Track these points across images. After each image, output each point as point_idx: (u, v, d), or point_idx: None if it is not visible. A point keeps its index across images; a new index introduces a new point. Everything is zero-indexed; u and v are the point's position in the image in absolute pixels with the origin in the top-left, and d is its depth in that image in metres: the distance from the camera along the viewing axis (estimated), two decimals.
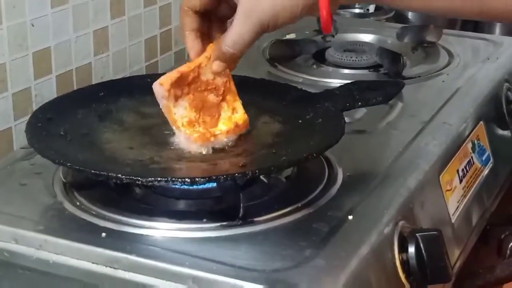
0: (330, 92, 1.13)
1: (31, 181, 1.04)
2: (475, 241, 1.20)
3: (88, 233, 0.92)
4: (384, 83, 1.16)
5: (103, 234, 0.91)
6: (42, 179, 1.03)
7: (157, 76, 1.16)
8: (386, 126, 1.21)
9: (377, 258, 0.92)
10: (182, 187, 0.96)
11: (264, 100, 1.13)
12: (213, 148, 1.00)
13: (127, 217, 0.94)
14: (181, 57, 1.55)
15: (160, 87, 1.00)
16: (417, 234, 0.95)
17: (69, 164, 0.93)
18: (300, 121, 1.07)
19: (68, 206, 0.98)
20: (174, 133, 1.02)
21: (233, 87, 1.05)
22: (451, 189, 1.14)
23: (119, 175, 0.89)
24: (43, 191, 1.01)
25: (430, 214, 1.06)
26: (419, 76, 1.40)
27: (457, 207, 1.15)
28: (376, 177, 1.05)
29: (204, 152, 1.00)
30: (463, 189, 1.18)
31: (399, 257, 0.95)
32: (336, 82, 1.37)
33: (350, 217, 0.94)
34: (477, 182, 1.23)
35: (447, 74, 1.42)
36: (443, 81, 1.39)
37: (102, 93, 1.13)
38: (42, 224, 0.94)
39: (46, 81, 1.27)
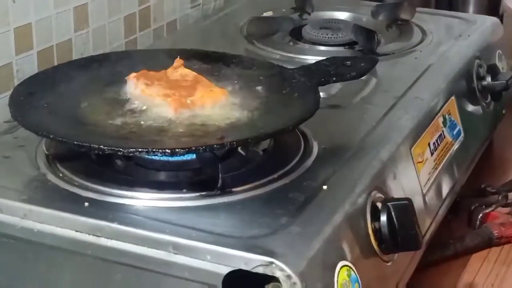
0: (306, 68, 1.17)
1: (14, 153, 1.06)
2: (445, 212, 1.24)
3: (71, 203, 0.95)
4: (358, 59, 1.20)
5: (86, 204, 0.94)
6: (25, 152, 1.06)
7: (135, 51, 1.21)
8: (360, 101, 1.24)
9: (350, 226, 0.95)
10: (162, 158, 0.98)
11: (241, 75, 1.16)
12: (192, 118, 1.03)
13: (109, 188, 0.97)
14: (160, 34, 1.58)
15: (128, 81, 1.10)
16: (388, 203, 0.99)
17: (52, 135, 0.96)
18: (277, 95, 1.10)
19: (51, 177, 1.00)
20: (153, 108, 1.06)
21: (205, 80, 1.10)
22: (422, 161, 1.18)
23: (101, 146, 0.92)
24: (27, 163, 1.04)
25: (402, 184, 1.10)
26: (393, 53, 1.44)
27: (428, 178, 1.19)
28: (350, 149, 1.08)
29: (182, 117, 1.03)
30: (434, 161, 1.22)
31: (371, 225, 0.99)
32: (312, 59, 1.39)
33: (325, 187, 0.98)
34: (448, 155, 1.27)
35: (420, 51, 1.45)
36: (416, 58, 1.42)
37: (83, 68, 1.15)
38: (26, 194, 0.97)
39: (27, 57, 1.29)
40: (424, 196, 1.16)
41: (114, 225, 0.90)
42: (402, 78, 1.32)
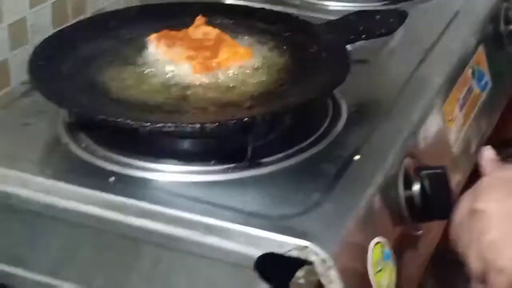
0: (333, 24, 1.12)
1: (34, 120, 1.03)
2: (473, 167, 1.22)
3: (96, 178, 0.92)
4: (388, 13, 1.15)
5: (111, 179, 0.92)
6: (46, 119, 1.03)
7: (154, 6, 1.16)
8: (388, 55, 1.20)
9: (382, 198, 0.92)
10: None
11: (266, 30, 1.12)
12: (218, 82, 1.00)
13: (134, 159, 0.94)
14: None
15: (149, 42, 1.06)
16: (422, 172, 0.96)
17: (75, 109, 0.92)
18: (304, 54, 1.06)
19: (74, 148, 0.97)
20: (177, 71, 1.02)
21: (228, 38, 1.06)
22: (452, 119, 1.14)
23: (128, 121, 0.89)
24: (48, 132, 1.01)
25: (433, 146, 1.07)
26: None
27: (457, 136, 1.15)
28: (380, 112, 1.05)
29: (207, 81, 0.99)
30: (463, 117, 1.18)
31: (404, 194, 0.96)
32: (333, 5, 1.36)
33: (356, 158, 0.95)
34: (476, 108, 1.23)
35: None
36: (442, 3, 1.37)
37: (102, 27, 1.11)
38: (49, 168, 0.94)
39: (41, 10, 1.24)
40: (453, 155, 1.13)
41: (143, 204, 0.88)
42: (429, 27, 1.28)
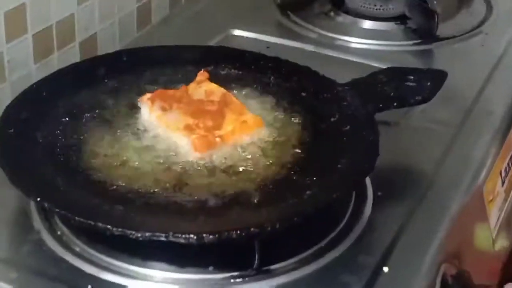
0: (358, 84, 0.95)
1: (2, 193, 0.86)
2: None
3: (71, 285, 0.76)
4: (424, 74, 0.96)
5: None
6: (15, 191, 0.86)
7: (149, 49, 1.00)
8: (419, 116, 1.03)
9: None
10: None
11: (280, 89, 0.96)
12: (221, 164, 0.84)
13: (117, 260, 0.79)
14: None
15: (141, 104, 0.91)
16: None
17: (46, 204, 0.76)
18: (324, 125, 0.90)
19: (47, 237, 0.82)
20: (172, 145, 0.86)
21: (235, 100, 0.89)
22: (493, 199, 0.98)
23: (108, 226, 0.73)
24: (17, 211, 0.85)
25: (471, 239, 0.91)
26: (453, 37, 1.22)
27: (498, 216, 1.00)
28: (412, 198, 0.89)
29: (208, 163, 0.84)
30: (504, 191, 1.03)
31: None
32: (354, 41, 1.20)
33: (386, 269, 0.79)
34: None
35: (486, 34, 1.23)
36: (483, 45, 1.20)
37: (87, 77, 0.95)
38: (15, 268, 0.78)
39: (20, 43, 1.07)
40: (493, 242, 0.97)
41: None
42: (468, 78, 1.11)
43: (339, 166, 0.83)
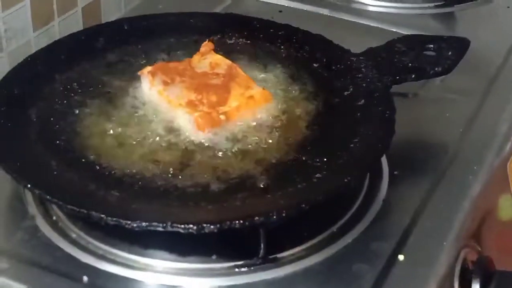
0: (374, 54, 0.89)
1: None
2: None
3: (65, 276, 0.72)
4: (444, 42, 0.90)
5: (85, 279, 0.71)
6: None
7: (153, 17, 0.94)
8: (439, 86, 0.96)
9: None
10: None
11: (290, 60, 0.90)
12: (226, 144, 0.78)
13: (114, 248, 0.74)
14: None
15: (142, 77, 0.85)
16: (487, 273, 0.75)
17: (37, 190, 0.71)
18: (337, 99, 0.84)
19: (41, 223, 0.77)
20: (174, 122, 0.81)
21: (242, 73, 0.84)
22: None
23: (102, 215, 0.68)
24: (12, 195, 0.80)
25: (494, 220, 0.86)
26: None
27: None
28: (430, 178, 0.83)
29: (212, 143, 0.78)
30: None
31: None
32: (372, 4, 1.14)
33: (401, 258, 0.74)
34: None
35: None
36: (509, 7, 1.13)
37: (85, 49, 0.90)
38: (7, 257, 0.74)
39: (18, 10, 1.02)
40: None
41: None
42: (493, 44, 1.04)
43: (351, 145, 0.77)
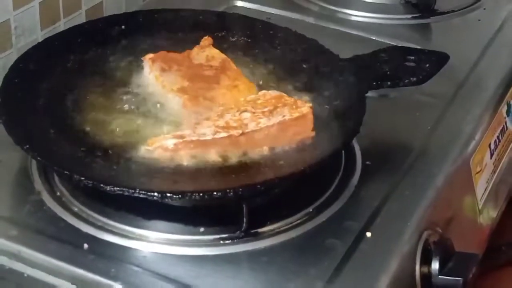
0: (359, 60, 0.97)
1: (6, 156, 0.90)
2: (500, 216, 1.09)
3: (68, 243, 0.80)
4: (425, 55, 0.98)
5: (85, 246, 0.80)
6: (19, 154, 0.89)
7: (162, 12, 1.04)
8: (411, 88, 1.04)
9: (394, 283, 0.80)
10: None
11: (284, 58, 0.99)
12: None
13: (111, 220, 0.83)
14: None
15: (144, 62, 0.95)
16: (446, 255, 0.84)
17: (39, 158, 0.81)
18: (318, 96, 0.93)
19: (46, 198, 0.85)
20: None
21: (233, 67, 0.92)
22: (480, 170, 1.01)
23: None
24: (20, 173, 0.89)
25: (455, 210, 0.94)
26: (452, 11, 1.24)
27: (485, 188, 1.03)
28: (399, 168, 0.92)
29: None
30: (493, 164, 1.05)
31: (419, 270, 0.84)
32: (355, 14, 1.22)
33: (368, 234, 0.82)
34: (508, 150, 1.10)
35: (484, 8, 1.25)
36: (479, 20, 1.22)
37: (92, 38, 0.99)
38: (16, 226, 0.82)
39: (27, 10, 1.10)
40: (479, 212, 1.00)
41: (118, 286, 0.76)
42: (462, 52, 1.13)
43: (318, 139, 0.86)
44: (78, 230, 0.82)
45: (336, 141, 0.84)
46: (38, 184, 0.87)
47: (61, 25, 1.15)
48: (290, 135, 0.85)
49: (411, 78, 0.93)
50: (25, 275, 0.79)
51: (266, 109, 0.86)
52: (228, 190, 0.76)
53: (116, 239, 0.81)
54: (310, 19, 1.21)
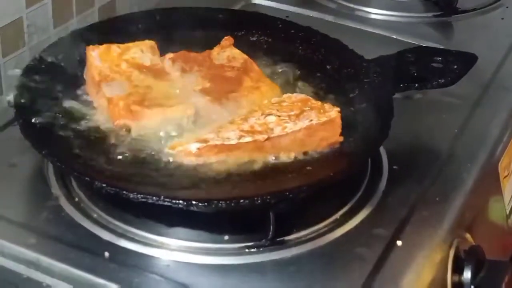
0: (385, 61, 0.94)
1: (22, 160, 0.88)
2: None
3: (88, 252, 0.77)
4: (452, 56, 0.94)
5: (106, 254, 0.77)
6: (35, 157, 0.86)
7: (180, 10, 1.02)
8: (437, 90, 1.01)
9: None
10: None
11: (305, 59, 0.97)
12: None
13: (132, 227, 0.80)
14: None
15: (165, 61, 0.92)
16: (476, 262, 0.81)
17: (58, 164, 0.78)
18: (341, 101, 0.90)
19: (64, 204, 0.83)
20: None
21: (256, 68, 0.89)
22: (508, 174, 0.98)
23: (124, 192, 0.74)
24: (36, 177, 0.86)
25: (485, 216, 0.92)
26: (474, 10, 1.21)
27: None
28: (427, 173, 0.89)
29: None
30: None
31: (451, 278, 0.82)
32: (374, 12, 1.19)
33: (399, 243, 0.79)
34: None
35: (507, 7, 1.22)
36: (503, 19, 1.19)
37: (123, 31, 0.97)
38: (33, 233, 0.79)
39: (40, 8, 1.07)
40: (507, 217, 0.97)
41: None
42: (487, 52, 1.09)
43: (345, 144, 0.83)
44: (98, 238, 0.79)
45: (365, 146, 0.82)
46: (56, 188, 0.84)
47: (74, 23, 1.12)
48: (317, 140, 0.82)
49: (439, 80, 0.90)
50: (44, 284, 0.76)
51: (292, 113, 0.83)
52: (256, 198, 0.73)
53: (138, 247, 0.78)
54: (329, 17, 1.18)
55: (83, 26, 1.09)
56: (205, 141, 0.81)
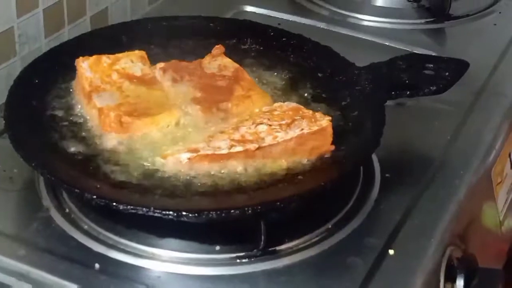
0: (376, 69, 0.93)
1: (11, 166, 0.87)
2: None
3: (78, 263, 0.77)
4: (444, 63, 0.94)
5: (97, 266, 0.77)
6: (25, 169, 0.86)
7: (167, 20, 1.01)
8: (429, 96, 1.01)
9: None
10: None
11: (298, 67, 0.96)
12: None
13: (123, 238, 0.79)
14: None
15: (156, 70, 0.91)
16: (469, 272, 0.81)
17: (48, 176, 0.77)
18: (333, 110, 0.89)
19: (55, 215, 0.82)
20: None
21: (247, 76, 0.89)
22: (501, 181, 0.98)
23: (114, 203, 0.74)
24: (26, 186, 0.86)
25: (478, 222, 0.91)
26: (467, 15, 1.21)
27: (506, 199, 1.00)
28: (420, 181, 0.89)
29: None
30: None
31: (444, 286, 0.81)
32: (366, 19, 1.19)
33: (391, 252, 0.79)
34: None
35: (500, 12, 1.22)
36: (495, 25, 1.19)
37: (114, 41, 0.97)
38: (23, 245, 0.79)
39: (31, 18, 1.07)
40: (500, 224, 0.97)
41: None
42: (480, 58, 1.09)
43: (336, 152, 0.83)
44: (89, 249, 0.79)
45: (357, 155, 0.81)
46: (46, 200, 0.84)
47: (66, 32, 1.12)
48: (308, 149, 0.81)
49: (431, 87, 0.90)
50: None
51: (283, 122, 0.82)
52: (246, 208, 0.73)
53: (129, 258, 0.78)
54: (322, 24, 1.18)
55: (74, 35, 1.10)
56: (196, 150, 0.80)
